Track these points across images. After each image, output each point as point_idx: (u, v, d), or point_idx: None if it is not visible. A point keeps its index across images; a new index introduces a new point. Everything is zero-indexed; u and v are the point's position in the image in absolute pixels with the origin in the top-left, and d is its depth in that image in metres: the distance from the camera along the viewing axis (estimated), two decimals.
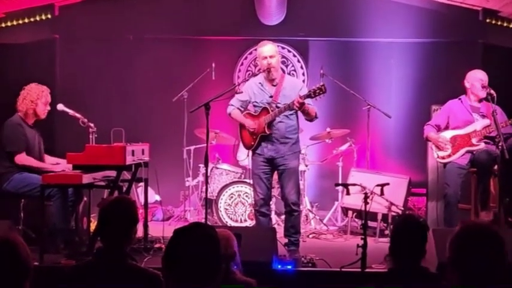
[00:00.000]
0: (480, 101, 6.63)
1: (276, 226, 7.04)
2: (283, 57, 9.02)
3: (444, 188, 6.81)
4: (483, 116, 6.61)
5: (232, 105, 6.32)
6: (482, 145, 6.51)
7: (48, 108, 6.45)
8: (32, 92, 6.35)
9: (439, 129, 6.83)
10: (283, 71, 8.66)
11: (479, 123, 6.57)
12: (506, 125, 6.38)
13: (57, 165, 6.29)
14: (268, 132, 6.03)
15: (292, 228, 6.16)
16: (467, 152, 6.56)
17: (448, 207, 6.64)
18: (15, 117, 6.33)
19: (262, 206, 6.17)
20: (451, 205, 6.61)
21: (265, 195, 6.17)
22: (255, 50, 7.27)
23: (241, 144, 8.11)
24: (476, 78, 6.59)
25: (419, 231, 3.29)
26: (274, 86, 6.15)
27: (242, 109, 6.30)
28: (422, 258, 3.22)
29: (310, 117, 6.12)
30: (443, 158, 6.68)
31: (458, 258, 2.60)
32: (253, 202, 6.45)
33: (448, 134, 6.68)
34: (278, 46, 6.63)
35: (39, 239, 5.80)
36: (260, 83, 6.22)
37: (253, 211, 7.08)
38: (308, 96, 5.80)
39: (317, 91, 5.77)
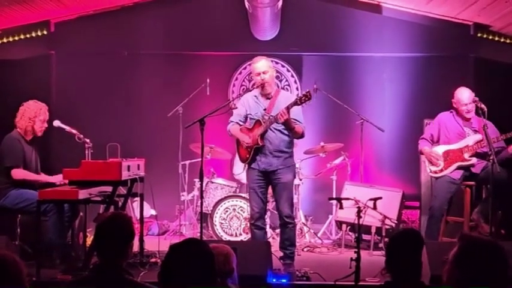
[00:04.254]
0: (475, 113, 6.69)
1: (270, 240, 7.08)
2: (277, 72, 9.06)
3: (431, 200, 6.88)
4: (475, 131, 6.66)
5: (231, 121, 6.38)
6: (474, 160, 6.57)
7: (46, 125, 6.52)
8: (30, 109, 6.42)
9: (433, 140, 6.88)
10: (278, 86, 8.74)
11: (471, 138, 6.62)
12: (498, 140, 6.44)
13: (55, 176, 6.34)
14: (261, 144, 6.07)
15: (287, 240, 6.20)
16: (459, 167, 6.61)
17: (432, 220, 6.69)
18: (15, 133, 6.40)
19: (258, 219, 6.21)
20: (435, 218, 6.68)
21: (260, 209, 6.21)
22: (249, 65, 7.36)
23: (236, 158, 8.18)
24: (461, 103, 6.64)
25: (418, 243, 3.32)
26: (269, 99, 6.22)
27: (241, 123, 6.34)
28: (420, 271, 3.24)
29: (296, 136, 6.17)
30: (435, 172, 6.72)
31: (463, 274, 2.62)
32: (248, 216, 6.49)
33: (440, 149, 6.72)
34: (272, 61, 6.69)
35: (35, 254, 5.83)
36: (255, 96, 6.29)
37: (248, 225, 7.13)
38: (295, 103, 5.81)
39: (303, 98, 5.77)
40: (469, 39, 9.06)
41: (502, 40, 8.98)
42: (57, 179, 6.27)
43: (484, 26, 8.91)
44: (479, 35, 8.99)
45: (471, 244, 2.66)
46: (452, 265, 2.65)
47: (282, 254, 6.21)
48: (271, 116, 6.03)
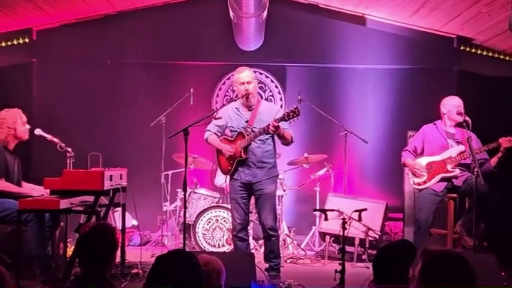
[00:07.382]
0: (458, 125, 6.69)
1: (253, 251, 7.03)
2: (260, 82, 9.08)
3: (416, 213, 6.87)
4: (458, 143, 6.68)
5: (209, 130, 6.31)
6: (457, 171, 6.58)
7: (28, 126, 6.41)
8: (7, 118, 6.30)
9: (416, 152, 6.88)
10: (261, 96, 8.73)
11: (455, 150, 6.63)
12: (481, 152, 6.46)
13: (37, 189, 6.23)
14: (244, 157, 6.04)
15: (272, 253, 6.16)
16: (443, 178, 6.62)
17: (418, 233, 6.68)
18: None
19: (240, 231, 6.17)
20: (422, 230, 6.66)
21: (242, 220, 6.17)
22: (233, 75, 7.34)
23: (219, 169, 8.11)
24: (453, 105, 6.68)
25: (410, 255, 3.28)
26: (250, 110, 6.19)
27: (219, 134, 6.30)
28: (408, 284, 3.20)
29: (286, 141, 6.14)
30: (419, 184, 6.72)
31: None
32: (231, 227, 6.45)
33: (423, 161, 6.73)
34: (256, 72, 6.67)
35: (15, 264, 5.71)
36: (236, 107, 6.25)
37: (231, 236, 7.08)
38: (282, 119, 5.79)
39: (291, 114, 5.73)
40: (453, 52, 9.13)
41: (485, 53, 9.07)
42: (39, 192, 6.16)
43: (467, 39, 8.99)
44: (462, 47, 9.08)
45: (434, 258, 2.64)
46: (419, 282, 2.62)
47: (267, 265, 6.17)
48: (255, 128, 6.01)
